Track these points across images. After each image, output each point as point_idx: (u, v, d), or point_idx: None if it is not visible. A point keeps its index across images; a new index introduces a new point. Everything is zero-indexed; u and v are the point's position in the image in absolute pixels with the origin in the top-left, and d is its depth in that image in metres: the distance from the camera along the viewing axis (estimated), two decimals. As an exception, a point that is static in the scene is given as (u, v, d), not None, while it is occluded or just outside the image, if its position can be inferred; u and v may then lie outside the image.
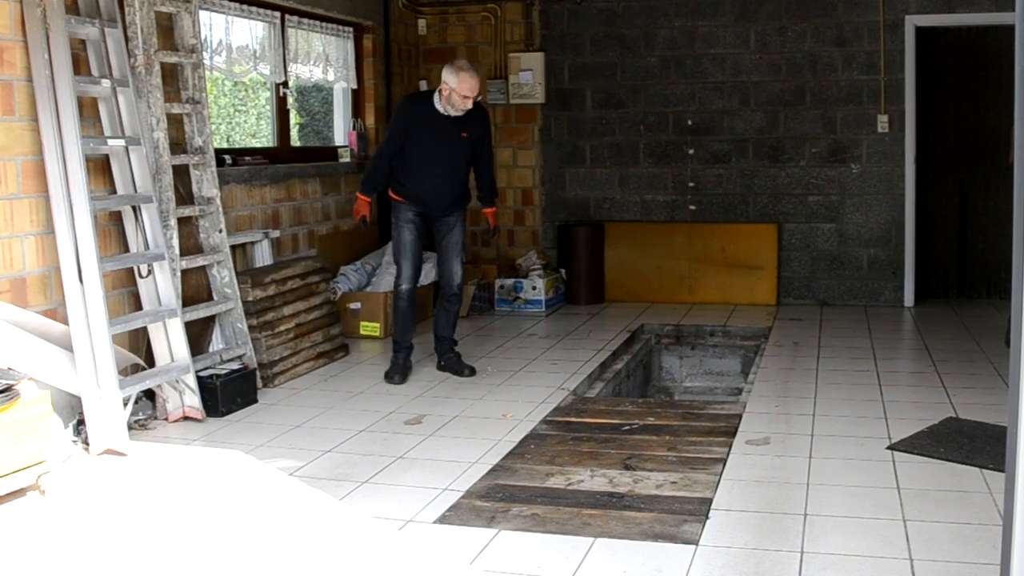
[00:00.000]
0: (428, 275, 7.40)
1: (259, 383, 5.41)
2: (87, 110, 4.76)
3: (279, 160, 6.63)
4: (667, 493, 3.76)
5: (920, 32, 7.68)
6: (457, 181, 5.72)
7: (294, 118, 7.38)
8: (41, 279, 4.52)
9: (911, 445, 4.27)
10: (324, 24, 7.22)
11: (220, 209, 5.40)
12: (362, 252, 7.42)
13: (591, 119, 8.43)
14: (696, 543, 3.28)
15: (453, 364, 5.84)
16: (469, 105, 5.45)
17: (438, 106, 5.50)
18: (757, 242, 8.07)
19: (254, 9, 6.38)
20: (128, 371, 4.83)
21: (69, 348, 4.42)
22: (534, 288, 7.83)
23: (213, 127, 5.66)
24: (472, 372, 5.79)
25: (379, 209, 7.86)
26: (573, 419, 4.88)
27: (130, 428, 4.57)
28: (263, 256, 6.14)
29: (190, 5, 5.28)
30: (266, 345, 5.59)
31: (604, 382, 5.87)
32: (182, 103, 5.31)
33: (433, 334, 6.00)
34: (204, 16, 5.79)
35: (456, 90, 5.39)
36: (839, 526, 3.39)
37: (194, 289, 5.35)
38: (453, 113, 5.48)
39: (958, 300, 8.07)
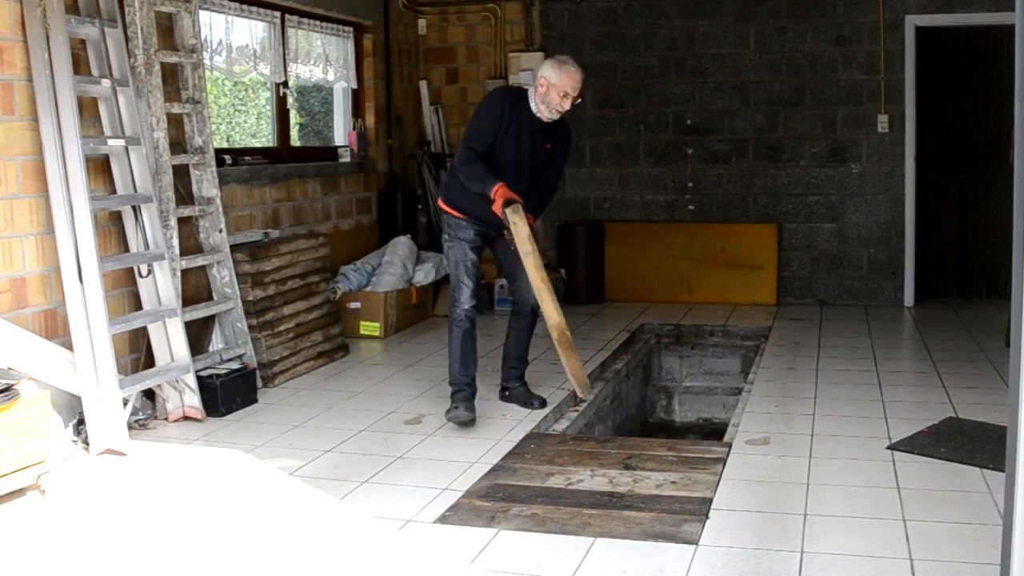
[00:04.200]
0: (429, 275, 7.40)
1: (259, 383, 5.41)
2: (87, 110, 4.75)
3: (279, 160, 6.63)
4: (667, 493, 3.76)
5: (920, 32, 7.68)
6: (523, 194, 4.84)
7: (294, 118, 7.38)
8: (41, 279, 4.52)
9: (911, 445, 4.27)
10: (324, 24, 7.22)
11: (220, 209, 5.40)
12: (362, 252, 7.42)
13: (591, 119, 8.42)
14: (696, 543, 3.28)
15: (520, 394, 5.16)
16: (567, 106, 4.77)
17: (533, 106, 4.80)
18: (757, 242, 8.07)
19: (254, 9, 6.38)
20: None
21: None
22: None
23: (213, 127, 5.65)
24: (542, 403, 5.07)
25: (379, 208, 7.86)
26: (573, 419, 4.88)
27: (130, 428, 4.57)
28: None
29: (190, 5, 5.28)
30: (266, 345, 5.59)
31: (604, 382, 5.87)
32: (182, 103, 5.31)
33: (504, 354, 5.28)
34: (204, 16, 5.79)
35: (556, 85, 4.71)
36: (839, 526, 3.39)
37: (194, 289, 5.35)
38: (547, 116, 4.78)
39: (958, 300, 8.07)
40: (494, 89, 5.19)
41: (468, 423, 4.69)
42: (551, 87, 4.73)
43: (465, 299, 4.88)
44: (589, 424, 5.40)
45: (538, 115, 4.80)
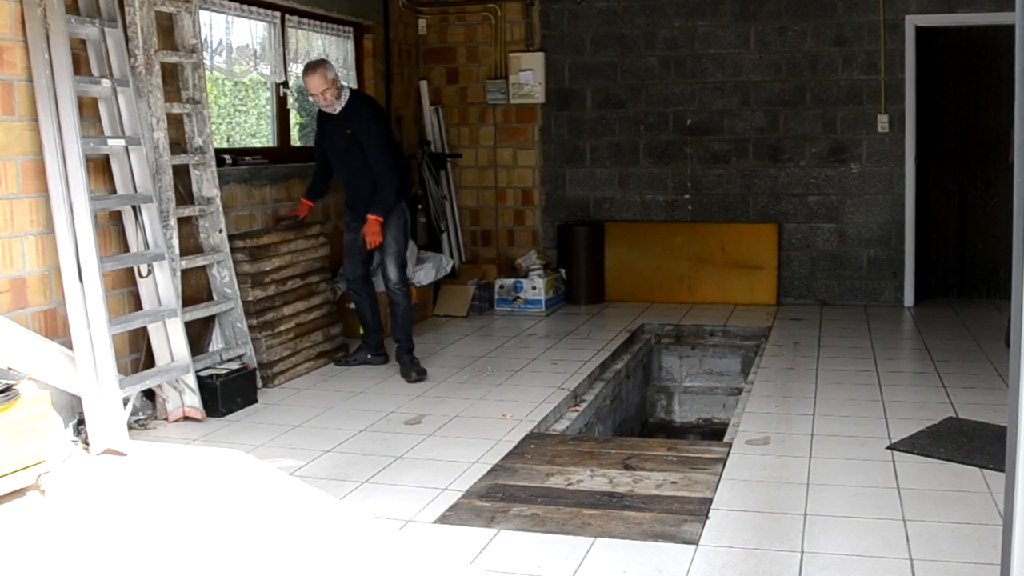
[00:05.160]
0: (429, 275, 7.40)
1: (259, 383, 5.41)
2: (87, 110, 4.75)
3: (279, 160, 6.63)
4: (667, 493, 3.76)
5: (920, 32, 7.68)
6: (357, 182, 5.71)
7: (294, 118, 7.37)
8: (41, 279, 4.52)
9: (911, 445, 4.27)
10: (324, 24, 7.22)
11: (220, 209, 5.40)
12: (362, 252, 7.41)
13: (591, 119, 8.43)
14: (696, 543, 3.28)
15: (404, 367, 5.72)
16: (321, 102, 5.58)
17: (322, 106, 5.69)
18: (757, 242, 8.07)
19: (254, 9, 6.37)
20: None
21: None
22: (534, 288, 7.82)
23: (213, 127, 5.66)
24: (420, 376, 5.62)
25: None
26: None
27: (130, 428, 4.57)
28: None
29: (190, 5, 5.28)
30: (266, 345, 5.59)
31: (604, 382, 5.87)
32: (182, 103, 5.31)
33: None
34: (204, 16, 5.79)
35: (308, 91, 5.61)
36: (839, 526, 3.39)
37: (194, 289, 5.35)
38: (325, 106, 5.63)
39: (958, 300, 8.07)
40: None
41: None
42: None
43: (347, 273, 5.95)
44: (589, 424, 5.40)
45: (325, 109, 5.65)
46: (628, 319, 7.41)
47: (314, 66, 5.55)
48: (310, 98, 5.58)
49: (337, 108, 5.61)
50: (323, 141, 5.81)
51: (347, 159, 5.69)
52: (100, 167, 4.87)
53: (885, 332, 6.91)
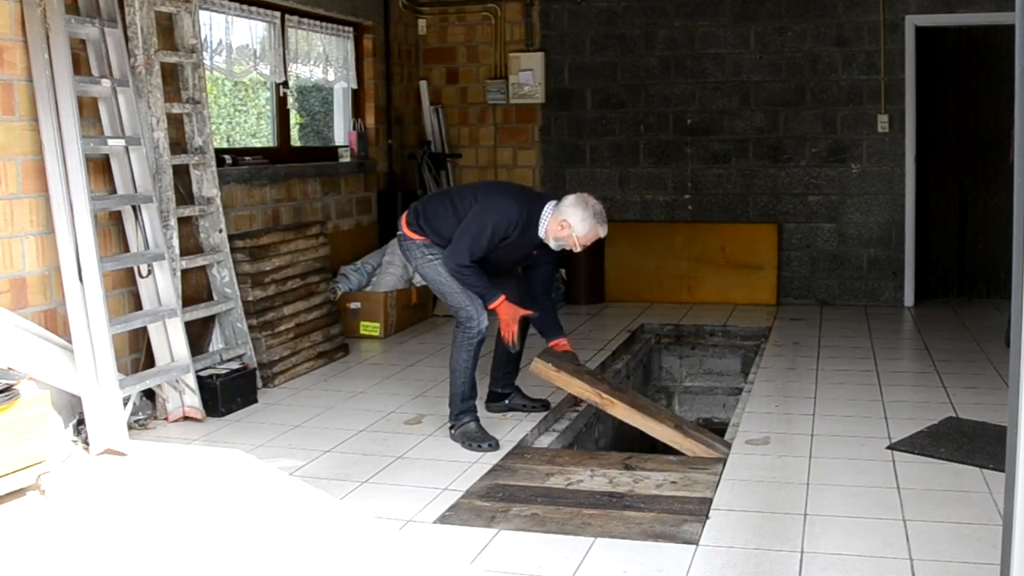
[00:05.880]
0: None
1: (259, 383, 5.41)
2: (87, 110, 4.75)
3: (279, 160, 6.63)
4: (667, 493, 3.76)
5: (920, 32, 7.68)
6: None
7: (294, 118, 7.38)
8: (41, 279, 4.52)
9: (911, 445, 4.27)
10: (324, 24, 7.23)
11: (220, 209, 5.40)
12: (362, 252, 7.42)
13: (591, 119, 8.43)
14: (696, 543, 3.28)
15: (519, 400, 5.08)
16: (577, 250, 4.61)
17: (541, 231, 4.51)
18: (757, 242, 8.07)
19: (254, 9, 6.38)
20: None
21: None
22: (534, 288, 7.81)
23: (213, 127, 5.65)
24: (546, 406, 5.03)
25: (379, 208, 7.87)
26: (573, 419, 4.88)
27: (130, 428, 4.57)
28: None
29: (190, 5, 5.28)
30: (266, 345, 5.59)
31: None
32: (182, 103, 5.31)
33: (498, 360, 5.14)
34: (204, 16, 5.79)
35: (579, 236, 4.46)
36: (839, 526, 3.39)
37: (194, 289, 5.35)
38: (552, 246, 4.57)
39: (958, 300, 8.07)
40: (509, 198, 4.58)
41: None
42: (572, 236, 4.46)
43: (482, 313, 4.59)
44: (589, 424, 5.40)
45: (542, 238, 4.54)
46: (628, 319, 7.41)
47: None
48: (574, 245, 4.53)
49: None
50: (504, 251, 4.58)
51: (509, 263, 4.81)
52: (100, 167, 4.87)
53: (885, 332, 6.91)
